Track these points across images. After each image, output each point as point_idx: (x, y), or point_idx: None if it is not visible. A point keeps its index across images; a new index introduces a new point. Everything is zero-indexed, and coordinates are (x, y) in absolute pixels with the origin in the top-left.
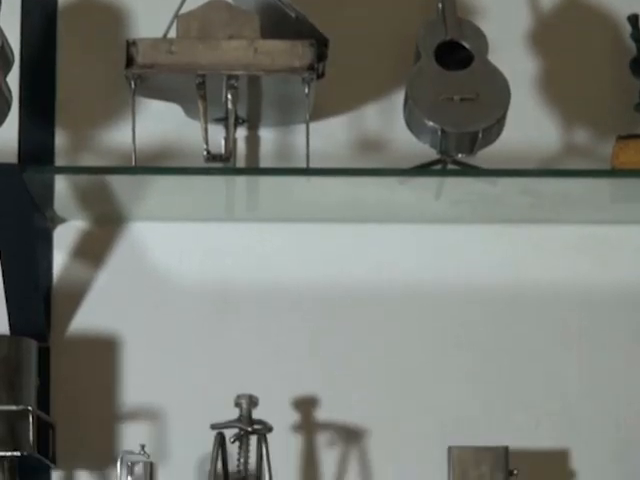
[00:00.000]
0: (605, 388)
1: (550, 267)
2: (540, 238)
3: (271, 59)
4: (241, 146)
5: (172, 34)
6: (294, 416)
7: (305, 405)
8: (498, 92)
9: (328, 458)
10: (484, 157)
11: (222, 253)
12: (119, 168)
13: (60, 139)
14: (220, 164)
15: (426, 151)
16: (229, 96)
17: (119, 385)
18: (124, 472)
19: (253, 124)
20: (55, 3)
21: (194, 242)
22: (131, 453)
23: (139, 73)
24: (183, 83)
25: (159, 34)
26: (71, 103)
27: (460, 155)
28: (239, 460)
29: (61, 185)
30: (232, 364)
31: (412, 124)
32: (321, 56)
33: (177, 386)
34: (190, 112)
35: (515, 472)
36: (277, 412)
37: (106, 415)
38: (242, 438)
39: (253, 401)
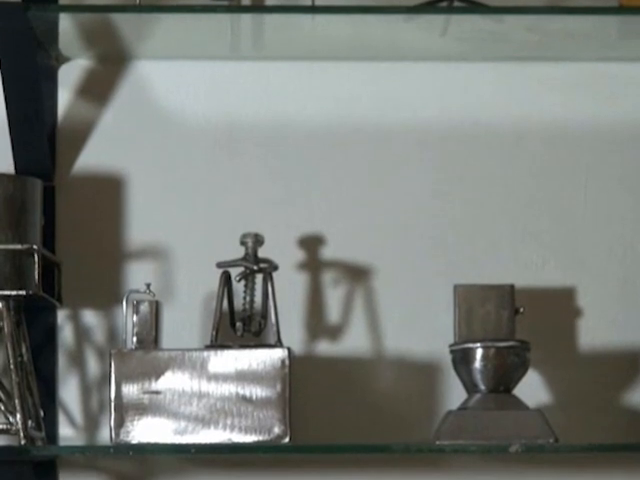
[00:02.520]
0: (612, 226)
1: (556, 104)
2: (546, 75)
3: None
4: None
5: None
6: (300, 254)
7: (311, 243)
8: None
9: (334, 296)
10: None
11: (228, 92)
12: (124, 7)
13: None
14: (225, 2)
15: None
16: None
17: (124, 224)
18: (129, 311)
19: None
20: None
21: (199, 81)
22: (137, 292)
23: None
24: None
25: None
26: None
27: None
28: (245, 298)
29: (65, 24)
30: (238, 203)
31: None
32: None
33: (183, 225)
34: None
35: (521, 310)
36: (283, 250)
37: (111, 254)
38: (248, 276)
39: (259, 239)
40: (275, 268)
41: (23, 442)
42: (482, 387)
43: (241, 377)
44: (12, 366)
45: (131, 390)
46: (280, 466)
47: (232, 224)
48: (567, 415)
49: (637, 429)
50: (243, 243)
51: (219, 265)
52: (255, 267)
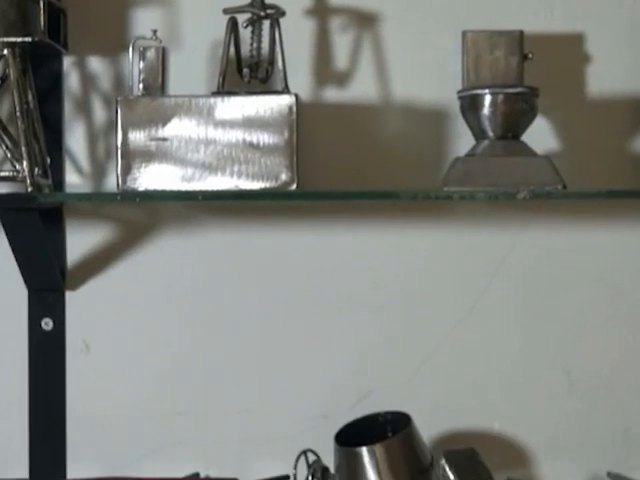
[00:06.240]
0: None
1: None
2: None
3: None
4: None
5: None
6: (307, 0)
7: None
8: None
9: (341, 43)
10: None
11: None
12: None
13: None
14: None
15: None
16: None
17: None
18: (136, 57)
19: None
20: None
21: None
22: (143, 38)
23: None
24: None
25: None
26: None
27: None
28: (252, 45)
29: None
30: None
31: None
32: None
33: None
34: None
35: (530, 56)
36: None
37: (117, 0)
38: (255, 23)
39: None
40: (282, 14)
41: (30, 189)
42: (490, 133)
43: (248, 124)
44: (18, 113)
45: (138, 137)
46: (287, 213)
47: None
48: (575, 162)
49: None
50: None
51: (226, 11)
52: (262, 13)
